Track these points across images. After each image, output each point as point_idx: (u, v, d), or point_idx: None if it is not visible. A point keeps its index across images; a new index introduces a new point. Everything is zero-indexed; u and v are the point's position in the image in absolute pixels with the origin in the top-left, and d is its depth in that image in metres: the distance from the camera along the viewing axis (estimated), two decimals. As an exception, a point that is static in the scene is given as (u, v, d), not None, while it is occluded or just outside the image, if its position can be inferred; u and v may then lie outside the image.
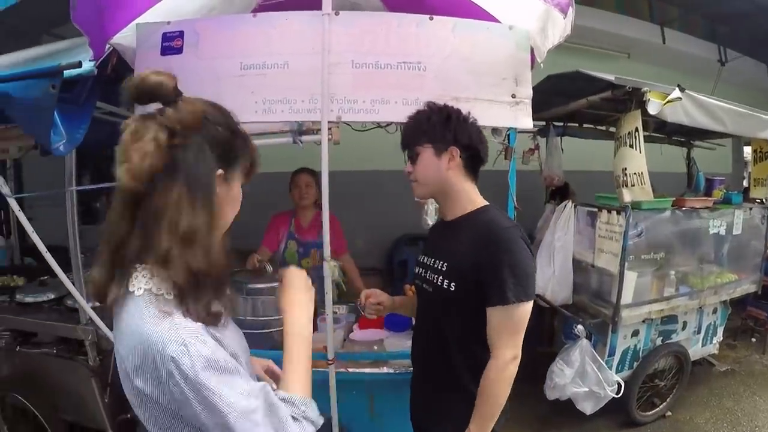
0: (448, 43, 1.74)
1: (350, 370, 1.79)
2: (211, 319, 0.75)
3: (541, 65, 1.92)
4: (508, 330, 1.17)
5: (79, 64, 1.54)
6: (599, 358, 2.46)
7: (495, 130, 1.77)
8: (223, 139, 0.81)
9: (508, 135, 1.80)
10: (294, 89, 1.67)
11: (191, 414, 0.70)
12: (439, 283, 1.27)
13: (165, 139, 0.73)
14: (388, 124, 1.78)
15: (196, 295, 0.73)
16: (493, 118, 1.75)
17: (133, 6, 1.79)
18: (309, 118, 1.68)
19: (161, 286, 0.73)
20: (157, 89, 0.76)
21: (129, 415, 2.12)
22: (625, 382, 2.55)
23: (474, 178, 1.31)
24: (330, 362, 1.69)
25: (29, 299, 2.39)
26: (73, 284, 2.02)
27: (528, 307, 1.18)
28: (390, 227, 4.35)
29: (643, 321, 2.65)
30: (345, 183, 4.09)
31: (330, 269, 1.63)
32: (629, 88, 2.32)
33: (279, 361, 0.96)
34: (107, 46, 1.73)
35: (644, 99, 2.26)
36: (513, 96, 1.79)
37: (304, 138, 1.69)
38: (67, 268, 2.31)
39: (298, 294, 0.98)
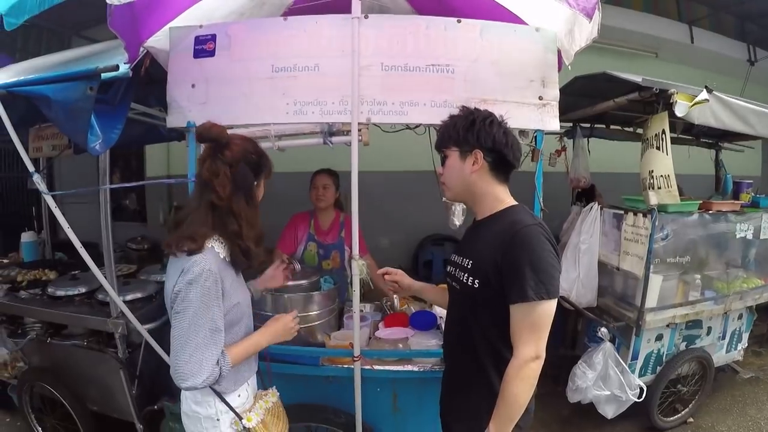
0: (476, 46, 1.76)
1: (375, 367, 1.81)
2: (249, 266, 1.35)
3: (569, 67, 1.91)
4: (529, 328, 1.16)
5: (117, 68, 1.58)
6: (622, 361, 2.44)
7: (522, 132, 1.77)
8: (254, 161, 1.33)
9: (535, 137, 1.80)
10: (324, 91, 1.70)
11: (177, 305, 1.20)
12: (464, 280, 1.29)
13: (228, 171, 1.27)
14: (417, 125, 1.79)
15: (258, 247, 1.34)
16: (521, 120, 1.76)
17: (166, 11, 1.85)
18: (339, 119, 1.71)
19: (220, 248, 1.28)
20: (218, 137, 1.30)
21: (156, 406, 2.19)
22: (647, 386, 2.52)
23: (502, 180, 1.31)
24: (356, 359, 1.72)
25: (60, 293, 2.45)
26: (106, 278, 2.08)
27: (550, 305, 1.16)
28: (416, 228, 4.40)
29: (668, 325, 2.61)
30: (371, 184, 4.13)
31: (358, 267, 1.65)
32: (656, 89, 2.29)
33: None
34: (141, 49, 1.79)
35: (671, 101, 2.23)
36: (540, 98, 1.80)
37: (335, 139, 1.72)
38: (97, 263, 2.41)
39: (276, 325, 1.44)
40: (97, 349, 2.26)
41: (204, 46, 1.83)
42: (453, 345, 1.41)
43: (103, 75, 1.69)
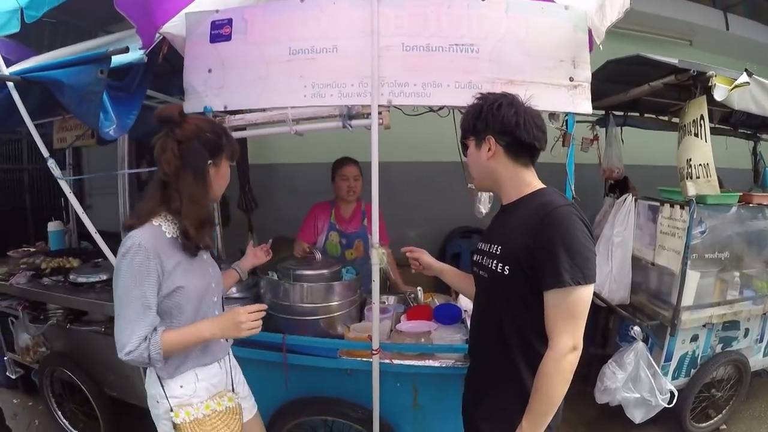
0: (501, 25, 1.67)
1: (395, 361, 1.74)
2: (194, 251, 1.31)
3: (600, 47, 1.79)
4: (566, 316, 1.08)
5: (126, 50, 1.57)
6: (654, 363, 2.30)
7: (552, 115, 1.67)
8: (210, 140, 1.31)
9: (566, 120, 1.70)
10: (343, 73, 1.65)
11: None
12: (493, 267, 1.22)
13: (177, 147, 1.26)
14: (440, 107, 1.71)
15: (201, 230, 1.29)
16: (550, 103, 1.66)
17: (182, -4, 1.83)
18: (359, 102, 1.64)
19: (168, 226, 1.28)
20: (169, 117, 1.29)
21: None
22: (680, 390, 2.39)
23: (526, 163, 1.24)
24: (374, 352, 1.66)
25: (82, 279, 2.49)
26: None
27: (587, 291, 1.08)
28: (443, 220, 4.28)
29: (704, 325, 2.46)
30: (397, 175, 4.15)
31: (378, 256, 1.59)
32: (694, 72, 2.15)
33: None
34: (157, 35, 1.76)
35: (710, 84, 2.09)
36: (570, 79, 1.70)
37: (354, 122, 1.65)
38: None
39: (224, 318, 1.32)
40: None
41: (220, 30, 1.80)
42: (480, 338, 1.34)
43: (117, 60, 1.70)
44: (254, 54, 1.73)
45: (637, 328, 2.29)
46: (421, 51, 1.63)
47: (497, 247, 1.23)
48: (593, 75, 1.75)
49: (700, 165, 2.21)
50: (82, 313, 2.44)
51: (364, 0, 1.60)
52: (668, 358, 2.41)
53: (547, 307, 1.11)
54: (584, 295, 1.08)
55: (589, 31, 1.73)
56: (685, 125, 2.31)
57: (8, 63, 2.65)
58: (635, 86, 2.54)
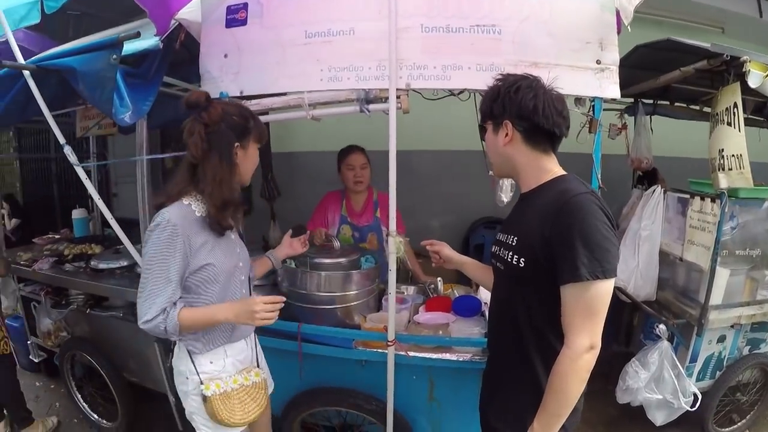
0: (525, 4, 1.60)
1: (410, 353, 1.70)
2: (228, 227, 1.37)
3: (628, 28, 1.69)
4: (583, 312, 1.01)
5: (138, 35, 1.58)
6: (679, 364, 2.20)
7: (578, 100, 1.60)
8: (237, 123, 1.34)
9: (593, 105, 1.62)
10: (361, 56, 1.61)
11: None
12: (509, 259, 1.16)
13: (204, 130, 1.30)
14: (461, 91, 1.65)
15: (224, 210, 1.32)
16: (576, 86, 1.59)
17: (197, -19, 1.81)
18: (377, 85, 1.60)
19: (198, 205, 1.34)
20: (196, 102, 1.32)
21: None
22: (704, 393, 2.29)
23: (546, 150, 1.17)
24: (390, 343, 1.62)
25: (102, 266, 2.53)
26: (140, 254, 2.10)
27: (606, 285, 1.01)
28: (466, 210, 4.18)
29: (732, 326, 2.35)
30: (419, 163, 4.10)
31: (396, 245, 1.55)
32: (727, 56, 2.02)
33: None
34: (172, 21, 1.75)
35: (744, 70, 1.97)
36: (598, 62, 1.62)
37: (372, 107, 1.60)
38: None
39: (240, 304, 1.34)
40: (133, 321, 2.30)
41: (236, 15, 1.78)
42: (496, 332, 1.29)
43: (135, 48, 1.71)
44: (270, 38, 1.71)
45: (662, 327, 2.19)
46: (440, 32, 1.57)
47: (514, 238, 1.17)
48: (621, 61, 1.66)
49: (732, 156, 2.09)
50: (103, 298, 2.48)
51: (382, -20, 1.55)
52: (693, 359, 2.31)
53: (564, 303, 1.04)
54: (603, 290, 1.01)
55: (617, 12, 1.65)
56: (717, 114, 2.19)
57: (31, 54, 2.71)
58: (665, 73, 2.42)
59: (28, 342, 2.94)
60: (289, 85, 1.69)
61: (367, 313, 1.92)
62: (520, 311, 1.15)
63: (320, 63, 1.64)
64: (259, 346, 1.60)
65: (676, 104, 3.16)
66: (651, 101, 3.11)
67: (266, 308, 1.30)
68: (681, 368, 2.20)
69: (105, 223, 3.71)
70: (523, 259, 1.11)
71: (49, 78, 1.75)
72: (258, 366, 1.54)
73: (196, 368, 1.36)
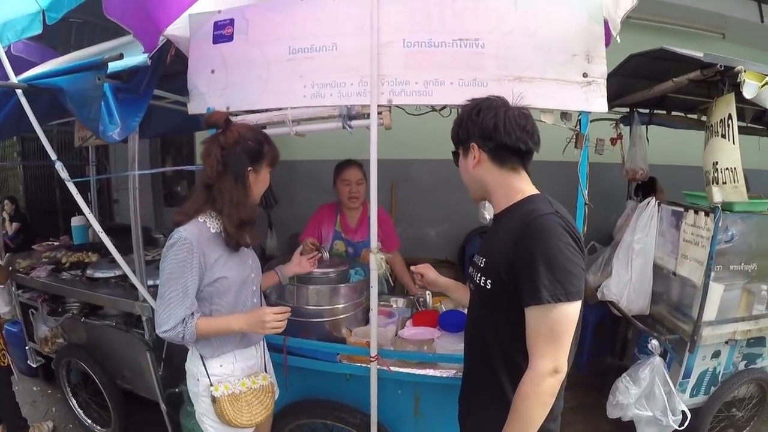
0: (509, 17, 1.58)
1: (393, 369, 1.69)
2: (245, 245, 1.46)
3: (617, 39, 1.67)
4: (546, 336, 1.00)
5: (120, 56, 1.60)
6: (671, 380, 2.16)
7: (564, 114, 1.58)
8: (252, 147, 1.41)
9: (580, 120, 1.60)
10: (343, 72, 1.61)
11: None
12: (478, 280, 1.16)
13: (220, 153, 1.37)
14: (443, 107, 1.65)
15: (241, 230, 1.40)
16: (562, 101, 1.57)
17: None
18: (358, 101, 1.60)
19: (213, 222, 1.41)
20: (215, 123, 1.42)
21: (177, 389, 2.22)
22: (698, 408, 2.25)
23: (515, 168, 1.16)
24: (372, 359, 1.62)
25: (98, 275, 2.56)
26: (134, 263, 2.12)
27: (570, 309, 0.99)
28: (463, 219, 4.14)
29: (726, 342, 2.30)
30: (416, 172, 4.08)
31: (377, 261, 1.54)
32: (721, 66, 1.98)
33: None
34: (161, 37, 1.76)
35: (738, 80, 1.92)
36: (584, 75, 1.59)
37: (354, 123, 1.60)
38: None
39: (252, 315, 1.42)
40: (125, 330, 2.33)
41: (222, 31, 1.80)
42: (469, 351, 1.29)
43: (126, 64, 1.72)
44: (255, 54, 1.72)
45: (654, 342, 2.15)
46: (423, 47, 1.57)
47: (483, 260, 1.17)
48: (615, 70, 1.64)
49: (726, 169, 2.04)
50: (98, 307, 2.50)
51: (365, -6, 1.55)
52: (687, 375, 2.27)
53: (528, 326, 1.03)
54: (567, 313, 1.00)
55: (605, 23, 1.63)
56: (711, 125, 2.15)
57: (32, 65, 2.76)
58: (662, 82, 2.38)
59: (27, 347, 2.98)
60: (274, 101, 1.70)
61: (355, 325, 1.92)
62: (489, 333, 1.15)
63: (303, 79, 1.64)
64: (267, 354, 1.68)
65: (673, 113, 3.11)
66: (647, 111, 3.06)
67: (276, 318, 1.39)
68: (672, 385, 2.16)
69: (104, 231, 3.76)
70: (489, 281, 1.11)
71: (41, 95, 1.78)
72: (266, 371, 1.61)
73: (207, 371, 1.44)
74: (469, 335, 1.29)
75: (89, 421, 2.65)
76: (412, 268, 1.56)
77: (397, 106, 1.64)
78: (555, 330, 1.00)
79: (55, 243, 3.55)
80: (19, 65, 2.21)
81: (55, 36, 3.30)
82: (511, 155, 1.15)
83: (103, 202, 4.98)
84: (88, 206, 3.91)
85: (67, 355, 2.61)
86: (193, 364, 1.49)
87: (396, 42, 1.57)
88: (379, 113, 1.57)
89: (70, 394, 2.73)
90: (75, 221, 3.57)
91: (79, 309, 2.53)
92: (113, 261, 2.69)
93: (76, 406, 2.72)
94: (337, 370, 1.79)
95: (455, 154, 1.26)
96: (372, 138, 1.54)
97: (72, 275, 2.67)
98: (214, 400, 1.41)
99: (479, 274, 1.16)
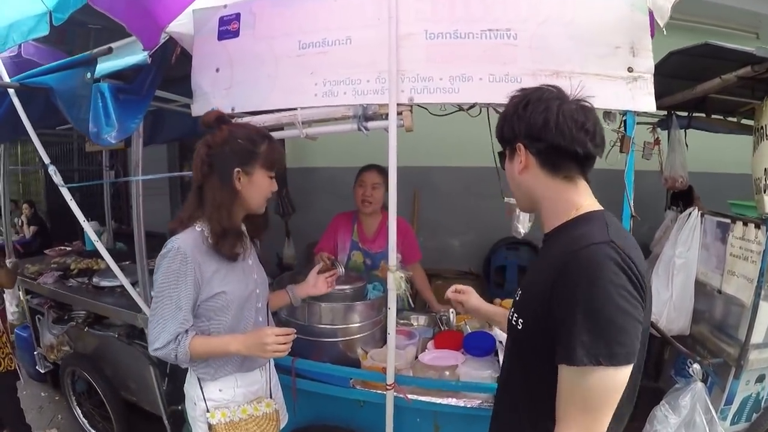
0: (543, 4, 1.42)
1: (411, 397, 1.53)
2: (231, 256, 1.28)
3: (663, 31, 1.48)
4: (579, 404, 0.78)
5: (110, 50, 1.50)
6: (712, 408, 1.96)
7: (607, 114, 1.40)
8: (241, 147, 1.27)
9: (625, 120, 1.42)
10: (358, 67, 1.46)
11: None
12: (510, 316, 0.95)
13: (206, 152, 1.27)
14: (471, 106, 1.48)
15: (223, 238, 1.26)
16: (605, 98, 1.39)
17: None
18: (375, 100, 1.44)
19: (206, 230, 1.28)
20: (207, 122, 1.32)
21: (180, 407, 2.10)
22: (739, 436, 2.05)
23: (570, 176, 0.91)
24: (389, 387, 1.46)
25: (104, 283, 2.48)
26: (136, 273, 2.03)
27: (613, 375, 0.76)
28: (489, 229, 3.95)
29: (772, 365, 2.09)
30: (440, 180, 3.92)
31: (395, 281, 1.38)
32: (775, 62, 1.79)
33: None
34: (163, 34, 1.64)
35: (792, 77, 1.73)
36: (629, 69, 1.42)
37: (371, 124, 1.44)
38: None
39: (251, 336, 1.28)
40: (127, 342, 2.24)
41: (228, 26, 1.68)
42: (498, 398, 1.09)
43: (126, 63, 1.62)
44: (263, 50, 1.59)
45: (696, 366, 1.95)
46: (447, 39, 1.41)
47: (519, 292, 0.97)
48: (654, 69, 1.46)
49: (780, 176, 1.85)
50: (103, 316, 2.42)
51: (381, -19, 1.40)
52: (729, 401, 2.06)
53: (559, 385, 0.81)
54: (609, 380, 0.76)
55: (650, 13, 1.45)
56: (761, 127, 1.95)
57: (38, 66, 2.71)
58: (701, 82, 2.18)
59: (35, 353, 2.93)
60: (282, 100, 1.56)
61: (372, 346, 1.76)
62: (519, 382, 0.94)
63: (315, 76, 1.50)
64: (275, 377, 1.53)
65: (713, 116, 2.87)
66: (685, 113, 2.83)
67: (278, 340, 1.25)
68: (714, 413, 1.96)
69: (116, 236, 3.73)
70: (522, 320, 0.90)
71: (37, 97, 1.71)
72: (271, 397, 1.46)
73: (204, 395, 1.33)
74: (501, 383, 1.09)
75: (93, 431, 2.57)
76: (448, 294, 1.34)
77: (419, 106, 1.48)
78: (589, 399, 0.78)
79: (68, 248, 3.51)
80: (30, 69, 2.17)
81: (73, 41, 3.26)
82: (566, 160, 0.90)
83: (121, 207, 4.95)
84: (116, 211, 3.90)
85: (71, 363, 2.56)
86: (190, 386, 1.37)
87: (417, 33, 1.41)
88: (399, 113, 1.41)
89: (75, 404, 2.67)
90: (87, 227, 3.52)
91: (84, 318, 2.46)
92: (121, 269, 2.64)
93: (81, 416, 2.65)
94: (349, 396, 1.64)
95: (501, 155, 1.03)
96: (391, 141, 1.38)
97: (79, 282, 2.62)
98: (210, 427, 1.29)
99: (512, 309, 0.96)
